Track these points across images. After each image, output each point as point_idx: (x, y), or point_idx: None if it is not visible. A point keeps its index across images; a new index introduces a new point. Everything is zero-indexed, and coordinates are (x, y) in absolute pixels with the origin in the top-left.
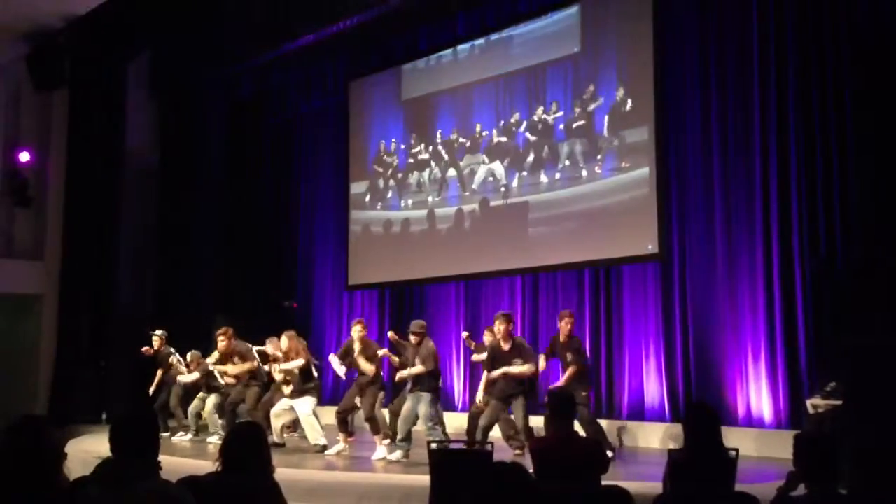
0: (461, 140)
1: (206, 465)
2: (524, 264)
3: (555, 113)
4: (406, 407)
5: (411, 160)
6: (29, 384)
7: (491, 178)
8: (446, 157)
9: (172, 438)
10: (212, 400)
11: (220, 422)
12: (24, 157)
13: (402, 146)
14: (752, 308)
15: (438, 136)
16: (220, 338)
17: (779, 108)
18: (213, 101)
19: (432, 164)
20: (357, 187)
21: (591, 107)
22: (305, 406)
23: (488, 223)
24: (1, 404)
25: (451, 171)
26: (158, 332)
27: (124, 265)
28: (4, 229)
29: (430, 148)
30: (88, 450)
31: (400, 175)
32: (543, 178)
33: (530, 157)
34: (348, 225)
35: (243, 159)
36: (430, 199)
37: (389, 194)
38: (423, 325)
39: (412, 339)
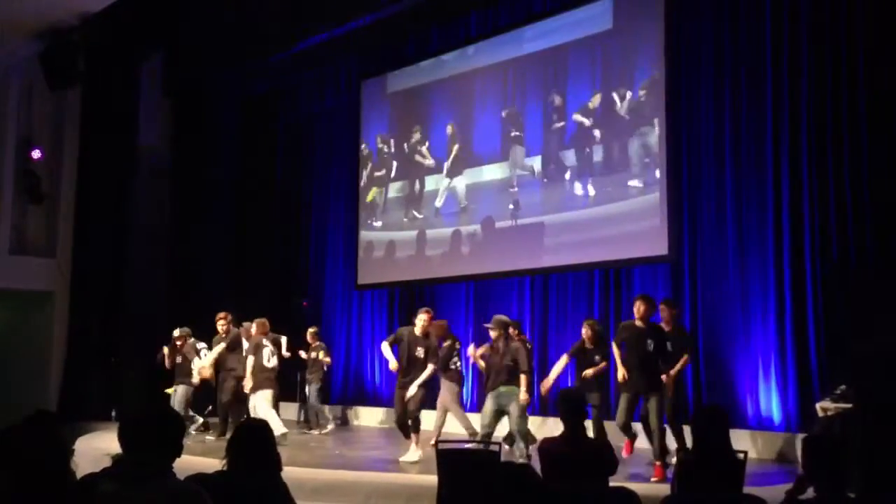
0: (459, 142)
1: (214, 464)
2: (534, 265)
3: (564, 113)
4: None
5: (401, 167)
6: (40, 380)
7: (496, 192)
8: (443, 162)
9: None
10: (181, 391)
11: (191, 414)
12: (37, 154)
13: (392, 149)
14: (763, 310)
15: (435, 136)
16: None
17: (791, 110)
18: (226, 100)
19: (425, 170)
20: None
21: (597, 108)
22: (261, 400)
23: (492, 248)
24: (12, 400)
25: (446, 181)
26: (178, 330)
27: (136, 262)
28: (17, 226)
29: (422, 151)
30: (98, 447)
31: (388, 185)
32: (558, 191)
33: (538, 166)
34: (358, 224)
35: (256, 158)
36: (420, 215)
37: (378, 208)
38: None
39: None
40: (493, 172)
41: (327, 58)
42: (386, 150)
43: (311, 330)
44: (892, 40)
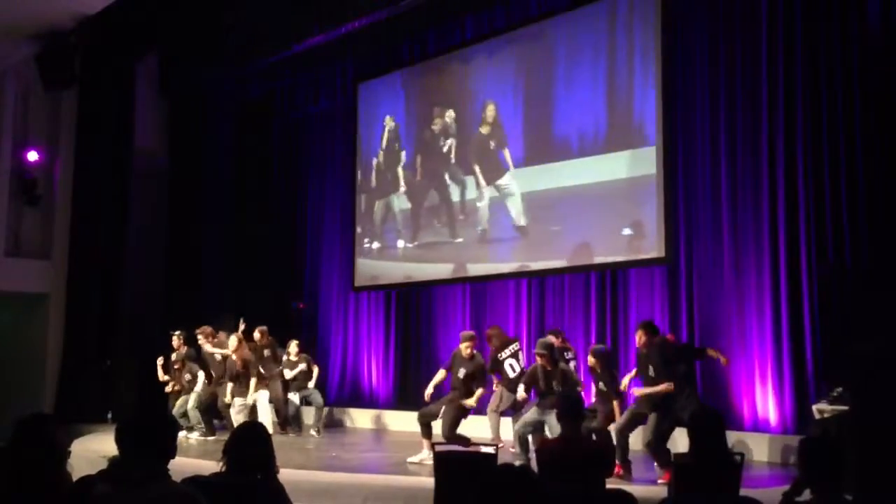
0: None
1: (211, 466)
2: (531, 267)
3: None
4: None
5: (419, 164)
6: (35, 383)
7: (591, 203)
8: (484, 168)
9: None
10: (193, 397)
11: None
12: (33, 156)
13: (406, 139)
14: (759, 312)
15: (473, 120)
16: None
17: (787, 111)
18: (222, 102)
19: (452, 169)
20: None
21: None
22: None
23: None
24: (8, 403)
25: (495, 188)
26: (177, 332)
27: (131, 265)
28: (12, 228)
29: (448, 143)
30: (94, 449)
31: (400, 193)
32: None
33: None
34: (355, 226)
35: (252, 160)
36: (458, 239)
37: (383, 226)
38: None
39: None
40: (588, 171)
41: (323, 60)
42: (396, 140)
43: (294, 342)
44: (887, 38)
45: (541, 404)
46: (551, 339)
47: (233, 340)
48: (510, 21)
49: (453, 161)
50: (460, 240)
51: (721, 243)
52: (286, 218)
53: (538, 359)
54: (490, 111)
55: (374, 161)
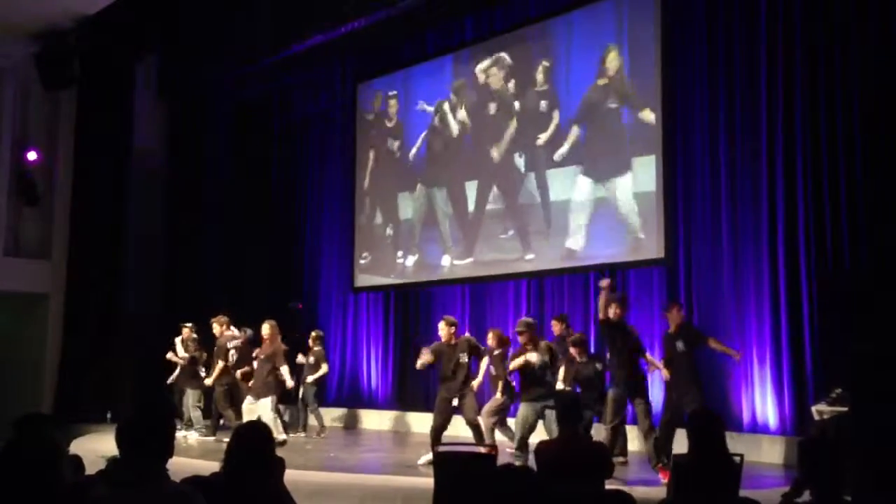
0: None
1: (211, 466)
2: (530, 267)
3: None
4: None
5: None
6: (35, 382)
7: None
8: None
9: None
10: (192, 396)
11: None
12: (32, 156)
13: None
14: (758, 313)
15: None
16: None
17: (786, 113)
18: (221, 102)
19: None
20: (361, 214)
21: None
22: (264, 408)
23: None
24: (7, 402)
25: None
26: (188, 324)
27: (131, 264)
28: (12, 228)
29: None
30: (93, 449)
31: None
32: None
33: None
34: (354, 227)
35: (250, 160)
36: (529, 255)
37: (428, 237)
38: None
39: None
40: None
41: (323, 60)
42: (444, 119)
43: (313, 334)
44: (887, 38)
45: (525, 397)
46: (530, 319)
47: (266, 328)
48: (510, 21)
49: (538, 144)
50: (531, 256)
51: (720, 244)
52: (286, 218)
53: (519, 337)
54: (613, 57)
55: (396, 152)
